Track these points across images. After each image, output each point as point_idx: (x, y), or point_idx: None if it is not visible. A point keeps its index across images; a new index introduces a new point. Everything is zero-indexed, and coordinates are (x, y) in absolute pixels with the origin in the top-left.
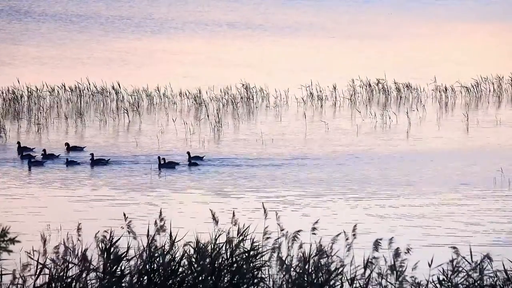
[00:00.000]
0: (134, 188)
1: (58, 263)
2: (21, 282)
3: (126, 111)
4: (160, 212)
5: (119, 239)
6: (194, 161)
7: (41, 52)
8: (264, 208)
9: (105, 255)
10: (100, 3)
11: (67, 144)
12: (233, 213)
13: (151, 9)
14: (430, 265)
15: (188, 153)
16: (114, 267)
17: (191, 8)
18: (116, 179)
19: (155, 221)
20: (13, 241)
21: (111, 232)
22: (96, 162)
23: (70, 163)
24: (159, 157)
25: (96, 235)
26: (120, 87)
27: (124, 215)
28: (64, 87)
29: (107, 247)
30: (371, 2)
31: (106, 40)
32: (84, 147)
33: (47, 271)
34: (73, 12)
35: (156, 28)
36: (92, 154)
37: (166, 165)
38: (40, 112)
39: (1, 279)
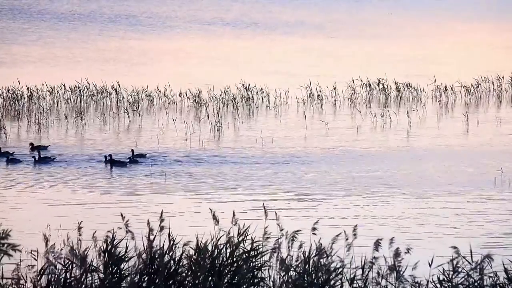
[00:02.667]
0: (131, 188)
1: (60, 264)
2: (22, 282)
3: (126, 111)
4: (161, 213)
5: (120, 240)
6: (136, 158)
7: (41, 52)
8: (264, 208)
9: (106, 256)
10: (102, 2)
11: (31, 144)
12: (233, 212)
13: (150, 8)
14: (430, 265)
15: (132, 150)
16: (115, 268)
17: (190, 7)
18: (113, 179)
19: (154, 221)
20: (14, 248)
21: (112, 233)
22: (41, 160)
23: (10, 161)
24: (105, 156)
25: (95, 235)
26: (120, 87)
27: (122, 215)
28: (64, 87)
29: (108, 247)
30: (371, 1)
31: (106, 40)
32: (47, 146)
33: (48, 271)
34: (72, 11)
35: (155, 27)
36: (39, 152)
37: (116, 163)
38: (40, 112)
39: (2, 280)
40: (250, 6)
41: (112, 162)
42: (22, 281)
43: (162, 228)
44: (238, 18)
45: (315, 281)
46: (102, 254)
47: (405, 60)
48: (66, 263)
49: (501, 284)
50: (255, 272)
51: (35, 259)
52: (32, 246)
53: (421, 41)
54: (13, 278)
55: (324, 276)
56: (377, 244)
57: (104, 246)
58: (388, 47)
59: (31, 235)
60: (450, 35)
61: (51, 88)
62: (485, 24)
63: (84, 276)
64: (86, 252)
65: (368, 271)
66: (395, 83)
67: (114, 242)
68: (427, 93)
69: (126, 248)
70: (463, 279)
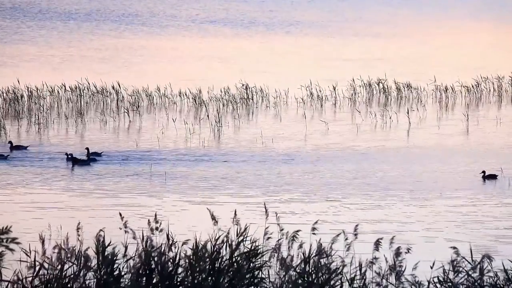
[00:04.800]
0: (131, 188)
1: (56, 263)
2: (20, 281)
3: (126, 111)
4: (155, 214)
5: (116, 240)
6: (92, 157)
7: (41, 52)
8: (265, 208)
9: (103, 255)
10: (102, 1)
11: (10, 142)
12: (235, 212)
13: (149, 7)
14: (432, 267)
15: (87, 149)
16: (111, 267)
17: (190, 6)
18: (112, 179)
19: (151, 221)
20: (13, 241)
21: (104, 233)
22: None
23: None
24: (66, 154)
25: (97, 235)
26: (120, 87)
27: (120, 214)
28: (64, 87)
29: (104, 247)
30: (372, 1)
31: (105, 39)
32: (27, 146)
33: (45, 271)
34: (72, 10)
35: (155, 26)
36: None
37: (77, 161)
38: (40, 112)
39: (1, 278)
40: (250, 5)
41: (74, 160)
42: (19, 280)
43: (160, 228)
44: (238, 18)
45: (315, 281)
46: (99, 254)
47: (405, 60)
48: (62, 263)
49: (501, 284)
50: (255, 272)
51: (27, 255)
52: (28, 246)
53: (421, 41)
54: (10, 281)
55: (324, 276)
56: (377, 244)
57: (101, 246)
58: (388, 47)
59: (27, 235)
60: (450, 34)
61: (51, 88)
62: (485, 24)
63: (80, 276)
64: (83, 252)
65: (368, 271)
66: (395, 83)
67: (112, 242)
68: (427, 93)
69: (126, 247)
70: (463, 279)
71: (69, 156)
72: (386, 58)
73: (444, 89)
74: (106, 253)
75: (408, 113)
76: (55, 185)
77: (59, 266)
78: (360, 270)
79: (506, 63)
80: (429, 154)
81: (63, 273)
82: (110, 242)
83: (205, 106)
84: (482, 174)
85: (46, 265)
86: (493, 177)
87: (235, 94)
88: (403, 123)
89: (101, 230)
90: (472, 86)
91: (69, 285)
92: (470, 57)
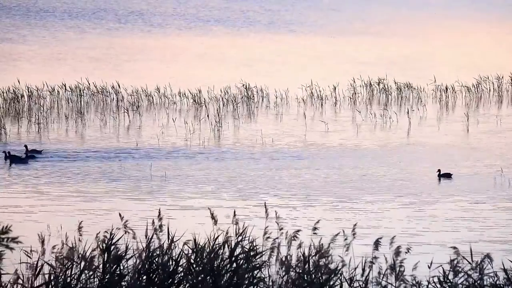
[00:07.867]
0: (132, 188)
1: (58, 263)
2: (21, 281)
3: (126, 111)
4: (159, 212)
5: (119, 239)
6: (31, 154)
7: (41, 52)
8: (265, 207)
9: (105, 255)
10: (103, 0)
11: None
12: (234, 212)
13: (149, 7)
14: (430, 266)
15: (26, 146)
16: (114, 267)
17: (190, 5)
18: (113, 178)
19: (154, 221)
20: (14, 240)
21: (111, 233)
22: None
23: None
24: (4, 152)
25: (97, 235)
26: (120, 87)
27: (120, 215)
28: (64, 87)
29: (107, 247)
30: (371, 0)
31: (105, 39)
32: None
33: (46, 270)
34: (72, 10)
35: (155, 25)
36: None
37: (15, 159)
38: (40, 112)
39: (0, 278)
40: (250, 5)
41: (11, 158)
42: (20, 281)
43: (161, 227)
44: (238, 17)
45: (314, 281)
46: (100, 254)
47: (405, 60)
48: (64, 262)
49: (501, 284)
50: (255, 272)
51: (29, 257)
52: (29, 246)
53: (421, 41)
54: (11, 280)
55: (323, 276)
56: (377, 244)
57: (103, 245)
58: (388, 47)
59: (26, 236)
60: (450, 34)
61: (52, 88)
62: (485, 24)
63: (82, 276)
64: (85, 252)
65: (368, 271)
66: (395, 83)
67: (113, 242)
68: (427, 93)
69: (127, 247)
70: (463, 279)
71: (7, 154)
72: (386, 58)
73: (444, 89)
74: (110, 253)
75: (408, 113)
76: (50, 185)
77: (63, 266)
78: (363, 270)
79: (506, 63)
80: (428, 154)
81: (66, 273)
82: (114, 242)
83: (205, 106)
84: (438, 173)
85: (48, 265)
86: (447, 176)
87: (235, 94)
88: (403, 123)
89: (106, 231)
90: (472, 86)
91: (72, 285)
92: (470, 57)
